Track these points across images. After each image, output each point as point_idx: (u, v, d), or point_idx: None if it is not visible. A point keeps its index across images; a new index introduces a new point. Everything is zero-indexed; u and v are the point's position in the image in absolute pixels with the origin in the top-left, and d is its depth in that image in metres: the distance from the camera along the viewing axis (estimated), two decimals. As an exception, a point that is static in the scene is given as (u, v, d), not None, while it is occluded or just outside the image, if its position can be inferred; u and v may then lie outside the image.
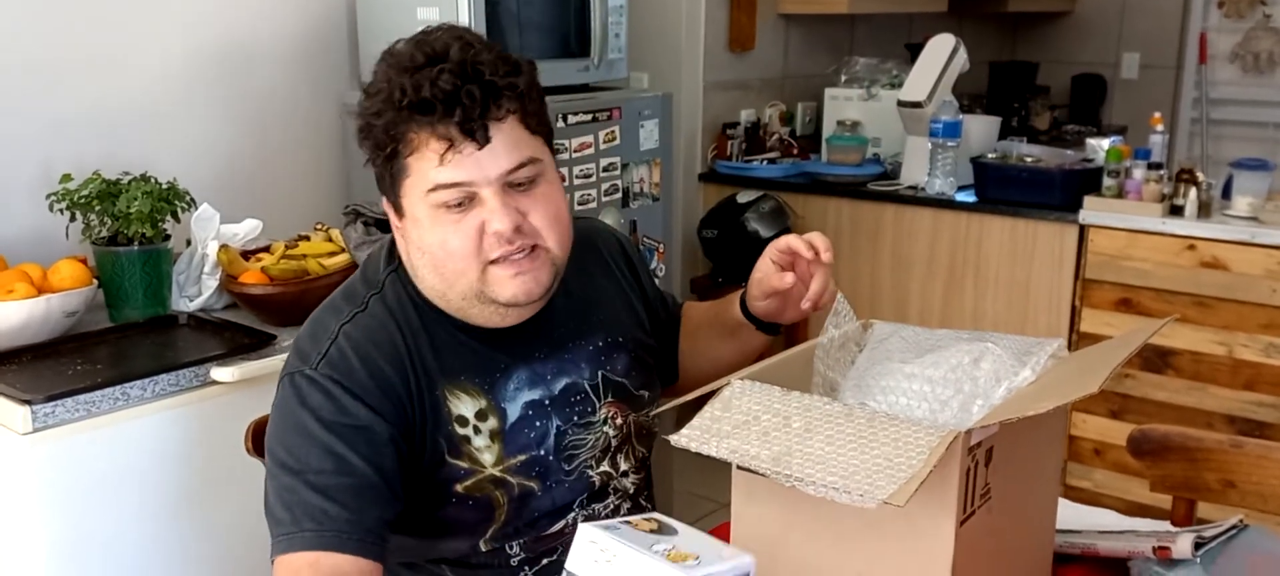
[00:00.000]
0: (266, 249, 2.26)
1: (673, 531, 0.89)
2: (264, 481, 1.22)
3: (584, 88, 2.91)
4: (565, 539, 1.33)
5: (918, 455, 0.95)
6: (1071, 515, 1.37)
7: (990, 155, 3.31)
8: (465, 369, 1.28)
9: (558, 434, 1.31)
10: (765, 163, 3.71)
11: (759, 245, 3.52)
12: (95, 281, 2.06)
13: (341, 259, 2.22)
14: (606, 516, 1.38)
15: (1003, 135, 3.66)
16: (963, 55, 3.43)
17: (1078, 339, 3.07)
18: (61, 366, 1.86)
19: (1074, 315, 3.09)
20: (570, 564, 0.88)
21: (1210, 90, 5.19)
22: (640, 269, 1.50)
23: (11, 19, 2.23)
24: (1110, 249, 3.00)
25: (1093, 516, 1.44)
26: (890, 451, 0.97)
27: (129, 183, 2.10)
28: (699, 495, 3.11)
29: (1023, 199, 3.13)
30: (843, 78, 3.90)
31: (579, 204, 2.82)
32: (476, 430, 1.27)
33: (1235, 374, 2.89)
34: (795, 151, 3.82)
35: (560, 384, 1.33)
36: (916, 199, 3.31)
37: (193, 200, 2.18)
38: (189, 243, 2.23)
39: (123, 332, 2.05)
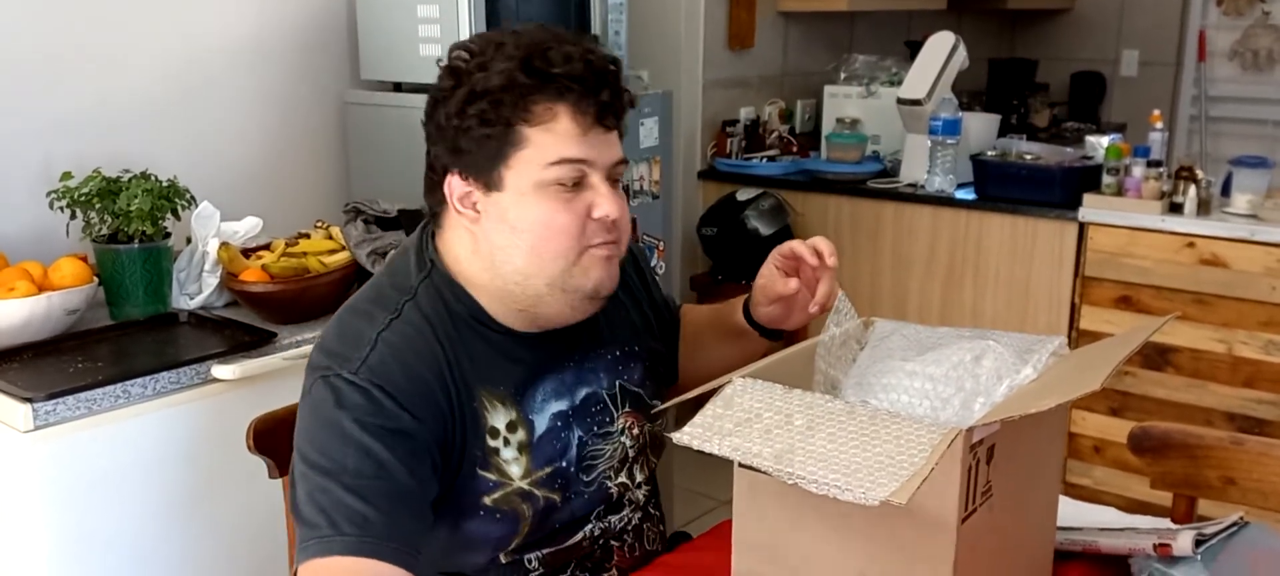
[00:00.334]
0: (267, 247, 2.26)
1: None
2: (291, 483, 1.19)
3: (584, 85, 2.90)
4: (581, 550, 1.34)
5: (919, 453, 0.95)
6: (1072, 512, 1.38)
7: (990, 153, 3.31)
8: (499, 378, 1.26)
9: (579, 444, 1.31)
10: (765, 160, 3.71)
11: (758, 242, 3.53)
12: (96, 279, 2.06)
13: (342, 256, 2.22)
14: (621, 527, 1.39)
15: (1002, 133, 3.66)
16: (962, 52, 3.43)
17: (1077, 336, 3.07)
18: (62, 364, 1.86)
19: (1073, 313, 3.09)
20: None
21: (1209, 88, 5.19)
22: (648, 274, 1.50)
23: (12, 17, 2.22)
24: (1110, 246, 3.00)
25: (1093, 514, 1.44)
26: (892, 449, 0.97)
27: (129, 180, 2.10)
28: (699, 492, 3.11)
29: (1022, 196, 3.13)
30: (842, 75, 3.90)
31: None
32: (506, 442, 1.26)
33: (1235, 371, 2.89)
34: (795, 149, 3.82)
35: (581, 393, 1.33)
36: (916, 196, 3.31)
37: (193, 198, 2.18)
38: (189, 240, 2.23)
39: (123, 330, 2.05)
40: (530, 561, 1.31)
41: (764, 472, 1.00)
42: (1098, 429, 3.11)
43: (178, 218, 2.15)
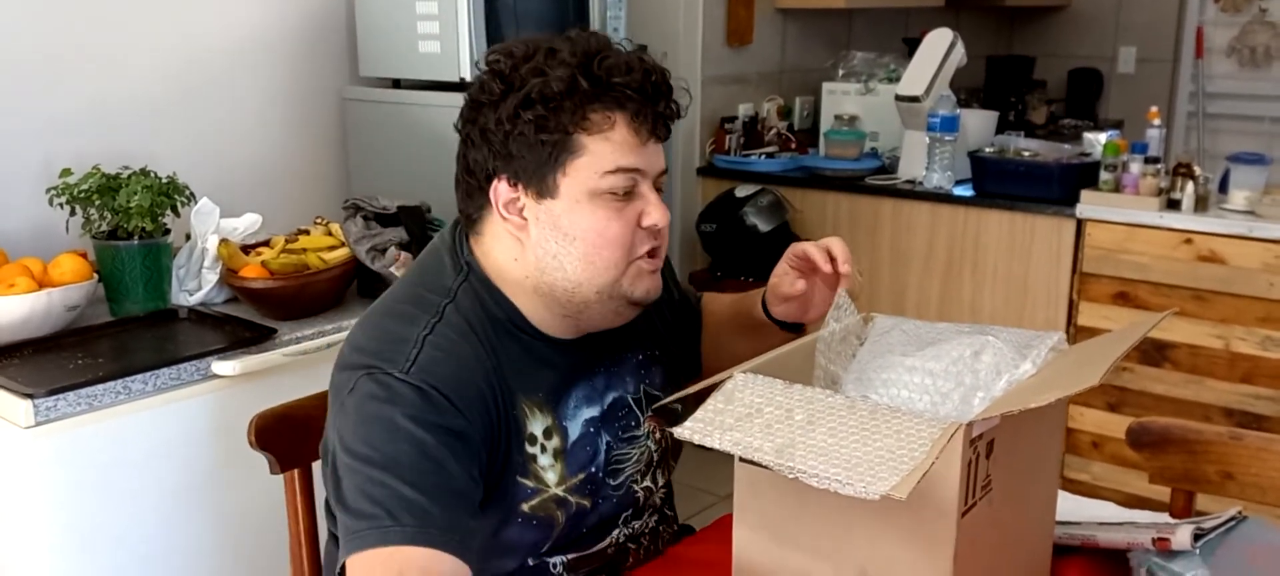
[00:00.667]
0: (266, 243, 2.26)
1: None
2: (332, 478, 1.16)
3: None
4: (605, 556, 1.34)
5: (920, 447, 0.96)
6: (1071, 507, 1.38)
7: (988, 149, 3.31)
8: (535, 384, 1.25)
9: (607, 449, 1.31)
10: (763, 157, 3.71)
11: (757, 239, 3.52)
12: (96, 275, 2.06)
13: (341, 253, 2.22)
14: (642, 532, 1.39)
15: (1000, 129, 3.66)
16: (960, 49, 3.43)
17: (1075, 332, 3.08)
18: (63, 360, 1.86)
19: (1071, 309, 3.10)
20: None
21: (1207, 84, 5.19)
22: (669, 274, 1.49)
23: (11, 15, 2.22)
24: (1107, 243, 3.00)
25: (1092, 508, 1.44)
26: (892, 443, 0.97)
27: (129, 177, 2.10)
28: (698, 488, 3.11)
29: (1020, 193, 3.14)
30: (840, 72, 3.90)
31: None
32: (543, 448, 1.25)
33: (1232, 367, 2.90)
34: (793, 146, 3.82)
35: (609, 398, 1.33)
36: (914, 193, 3.31)
37: (192, 194, 2.18)
38: (189, 237, 2.23)
39: (123, 326, 2.06)
40: (555, 566, 1.30)
41: (765, 467, 1.00)
42: (1096, 424, 3.12)
43: (177, 214, 2.15)
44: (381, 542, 1.06)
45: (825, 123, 3.82)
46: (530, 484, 1.24)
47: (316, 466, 1.51)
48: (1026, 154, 3.24)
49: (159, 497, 1.87)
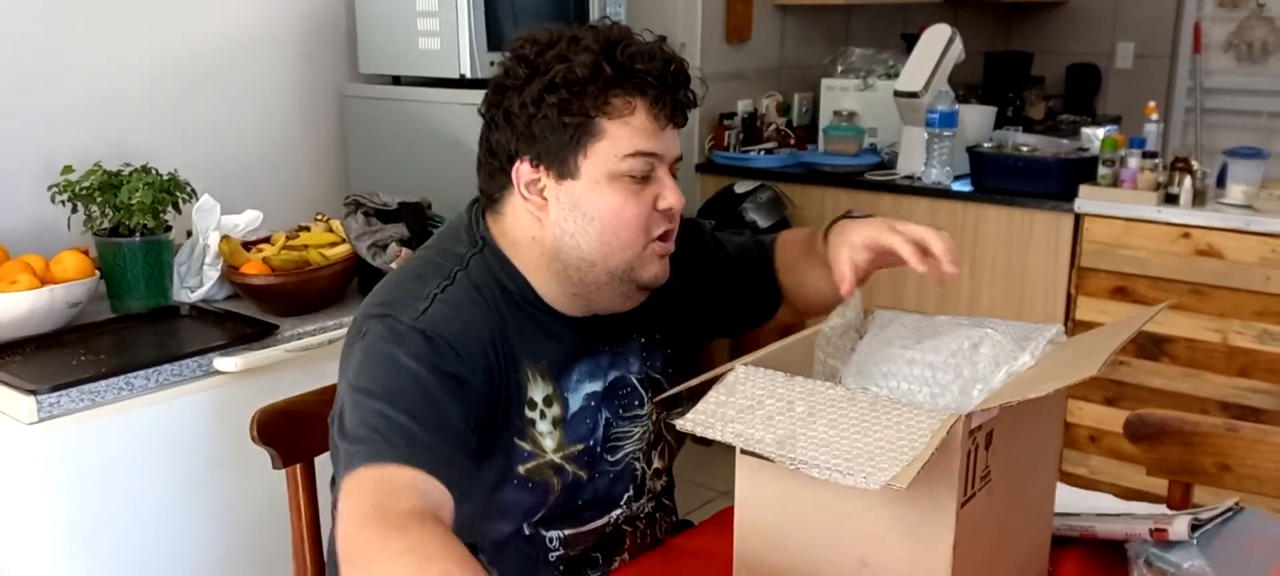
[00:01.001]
0: (267, 240, 2.27)
1: None
2: (337, 413, 1.20)
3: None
4: (601, 534, 1.37)
5: (919, 437, 0.96)
6: (1069, 498, 1.39)
7: (986, 145, 3.32)
8: (540, 353, 1.29)
9: (606, 426, 1.34)
10: (762, 153, 3.71)
11: (756, 234, 3.51)
12: (97, 272, 2.07)
13: (342, 249, 2.23)
14: (639, 515, 1.41)
15: (998, 125, 3.67)
16: (958, 45, 3.44)
17: (1073, 326, 3.09)
18: (65, 357, 1.87)
19: (1070, 303, 3.11)
20: None
21: (1204, 80, 5.20)
22: (712, 250, 1.51)
23: (12, 13, 2.23)
24: (1106, 237, 3.01)
25: (1090, 500, 1.45)
26: (892, 434, 0.98)
27: (130, 174, 2.11)
28: (697, 483, 3.12)
29: (1019, 188, 3.15)
30: (839, 68, 3.90)
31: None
32: (542, 414, 1.29)
33: (1230, 360, 2.91)
34: (792, 142, 3.83)
35: (612, 376, 1.36)
36: (913, 188, 3.32)
37: (194, 191, 2.19)
38: (190, 233, 2.23)
39: (125, 323, 2.06)
40: (551, 540, 1.34)
41: (766, 459, 1.01)
42: (1093, 418, 3.13)
43: (179, 211, 2.16)
44: (373, 461, 1.10)
45: (824, 118, 3.83)
46: (527, 447, 1.27)
47: (319, 461, 1.52)
48: (1025, 149, 3.25)
49: (161, 493, 1.88)
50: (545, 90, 1.22)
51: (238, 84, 2.64)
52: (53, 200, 2.09)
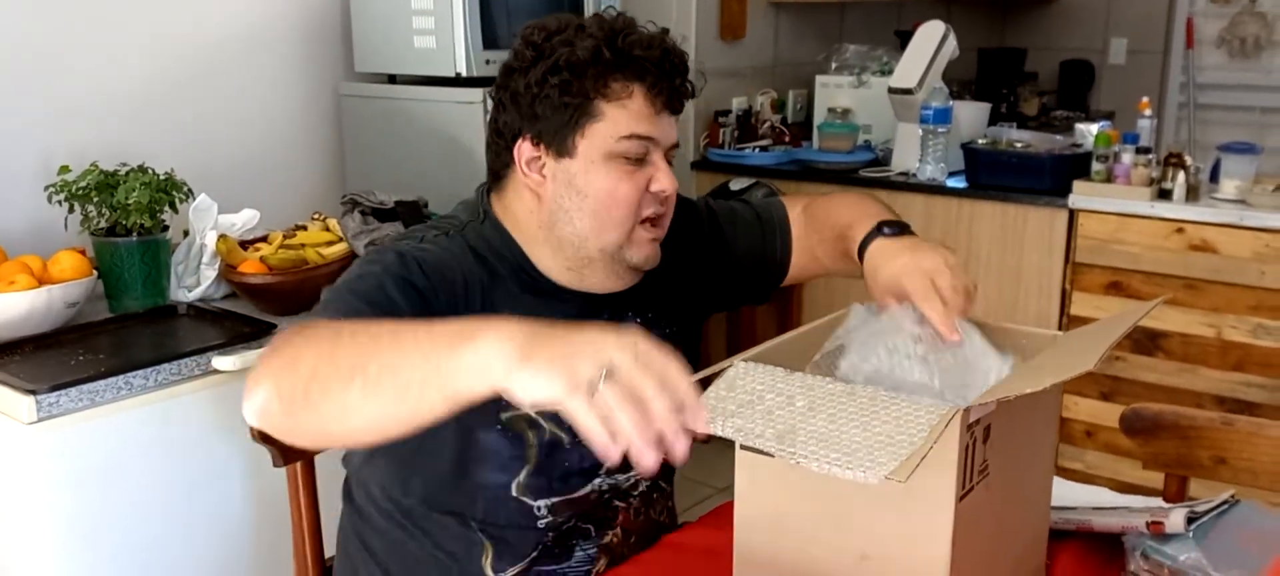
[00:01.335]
0: (264, 239, 2.27)
1: None
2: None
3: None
4: (588, 503, 1.38)
5: (918, 432, 0.97)
6: (1066, 492, 1.40)
7: (980, 141, 3.33)
8: (530, 312, 1.30)
9: None
10: (757, 150, 3.72)
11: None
12: (95, 272, 2.07)
13: (339, 248, 2.23)
14: (628, 487, 1.43)
15: (992, 121, 3.68)
16: (952, 42, 3.45)
17: (1068, 322, 3.10)
18: (64, 357, 1.87)
19: (1064, 299, 3.12)
20: None
21: (1197, 75, 5.22)
22: (708, 232, 1.53)
23: (9, 12, 2.23)
24: (1100, 233, 3.02)
25: (1087, 493, 1.46)
26: (891, 429, 0.99)
27: (127, 174, 2.11)
28: (695, 480, 3.13)
29: (1013, 184, 3.16)
30: (833, 65, 3.91)
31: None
32: None
33: (1224, 355, 2.92)
34: (787, 139, 3.83)
35: None
36: (908, 185, 3.33)
37: (191, 191, 2.19)
38: (187, 233, 2.23)
39: (123, 323, 2.06)
40: (539, 509, 1.36)
41: (766, 453, 1.02)
42: (1089, 413, 3.14)
43: (175, 210, 2.16)
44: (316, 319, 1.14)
45: (819, 115, 3.84)
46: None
47: (319, 459, 1.53)
48: (1019, 145, 3.26)
49: (161, 492, 1.88)
50: (548, 72, 1.28)
51: (234, 83, 2.64)
52: (50, 200, 2.10)
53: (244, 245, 2.23)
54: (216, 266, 2.18)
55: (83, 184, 2.08)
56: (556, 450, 1.35)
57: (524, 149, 1.32)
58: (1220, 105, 5.19)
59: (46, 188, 2.10)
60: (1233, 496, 1.31)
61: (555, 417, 1.33)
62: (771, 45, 4.08)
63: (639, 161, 1.30)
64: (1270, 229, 2.80)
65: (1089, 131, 3.17)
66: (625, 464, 1.39)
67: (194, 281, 2.19)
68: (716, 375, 1.12)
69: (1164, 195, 2.95)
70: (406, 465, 1.35)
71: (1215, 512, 1.27)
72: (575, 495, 1.37)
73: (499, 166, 1.37)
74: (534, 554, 1.37)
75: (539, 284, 1.36)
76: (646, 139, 1.30)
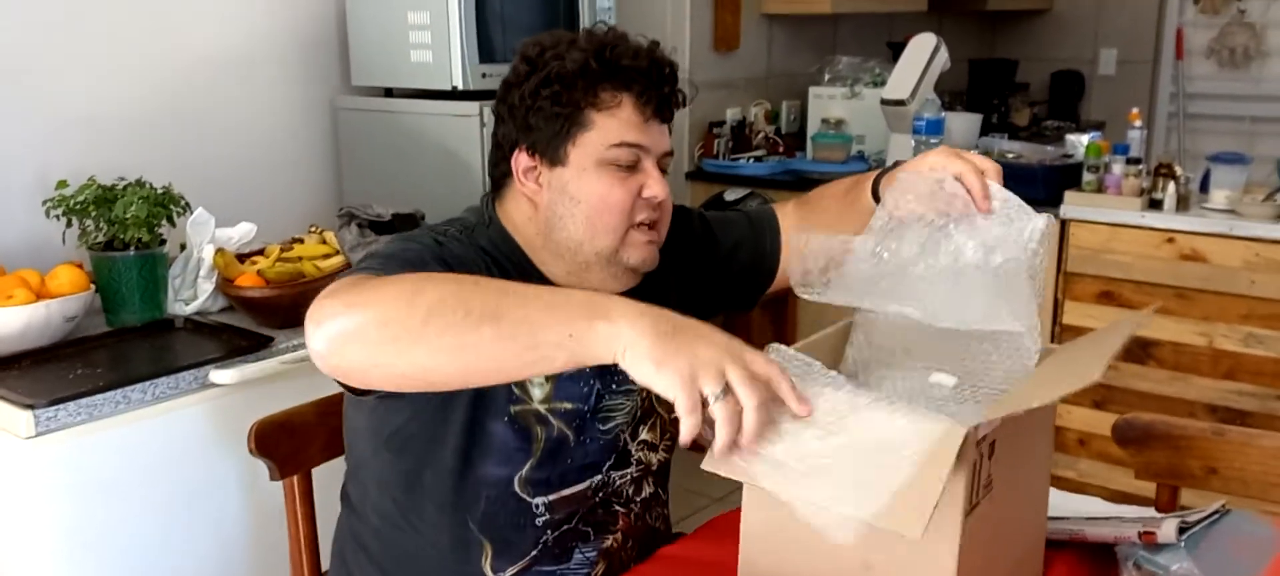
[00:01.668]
0: (261, 252, 2.27)
1: None
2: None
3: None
4: (587, 501, 1.40)
5: (928, 468, 0.95)
6: (1059, 502, 1.40)
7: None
8: None
9: (598, 396, 1.39)
10: (751, 161, 3.74)
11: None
12: (92, 286, 2.07)
13: (336, 261, 2.24)
14: (626, 489, 1.44)
15: (984, 132, 3.70)
16: (944, 53, 3.47)
17: (1060, 331, 3.12)
18: (62, 371, 1.88)
19: (1056, 308, 3.14)
20: None
21: (1187, 85, 5.24)
22: (701, 237, 1.55)
23: (6, 28, 2.24)
24: (1091, 243, 3.04)
25: (1080, 503, 1.47)
26: (896, 459, 0.97)
27: (124, 188, 2.12)
28: (691, 490, 3.13)
29: (1005, 194, 3.16)
30: (826, 76, 3.93)
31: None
32: None
33: (1216, 364, 2.94)
34: (781, 149, 3.85)
35: None
36: (901, 195, 3.34)
37: (188, 204, 2.19)
38: (184, 247, 2.24)
39: (121, 337, 2.07)
40: (538, 507, 1.37)
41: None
42: (1082, 422, 3.15)
43: (173, 224, 2.17)
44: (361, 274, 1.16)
45: (812, 126, 3.86)
46: (516, 389, 1.34)
47: (316, 472, 1.54)
48: (1010, 156, 3.28)
49: (160, 506, 1.88)
50: (541, 84, 1.32)
51: (231, 97, 2.65)
52: (47, 215, 2.10)
53: (241, 258, 2.23)
54: (214, 280, 2.18)
55: (80, 198, 2.09)
56: (562, 447, 1.37)
57: (520, 159, 1.36)
58: (1210, 115, 5.22)
59: (44, 202, 2.11)
60: (1224, 506, 1.32)
61: (566, 416, 1.36)
62: (765, 57, 4.10)
63: (630, 168, 1.33)
64: (1260, 238, 2.82)
65: (1080, 142, 3.20)
66: (624, 458, 1.42)
67: (191, 295, 2.20)
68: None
69: (1155, 205, 2.97)
70: (410, 456, 1.35)
71: (1207, 522, 1.29)
72: (573, 491, 1.39)
73: (499, 177, 1.41)
74: (533, 553, 1.38)
75: (543, 283, 1.37)
76: (636, 146, 1.33)
